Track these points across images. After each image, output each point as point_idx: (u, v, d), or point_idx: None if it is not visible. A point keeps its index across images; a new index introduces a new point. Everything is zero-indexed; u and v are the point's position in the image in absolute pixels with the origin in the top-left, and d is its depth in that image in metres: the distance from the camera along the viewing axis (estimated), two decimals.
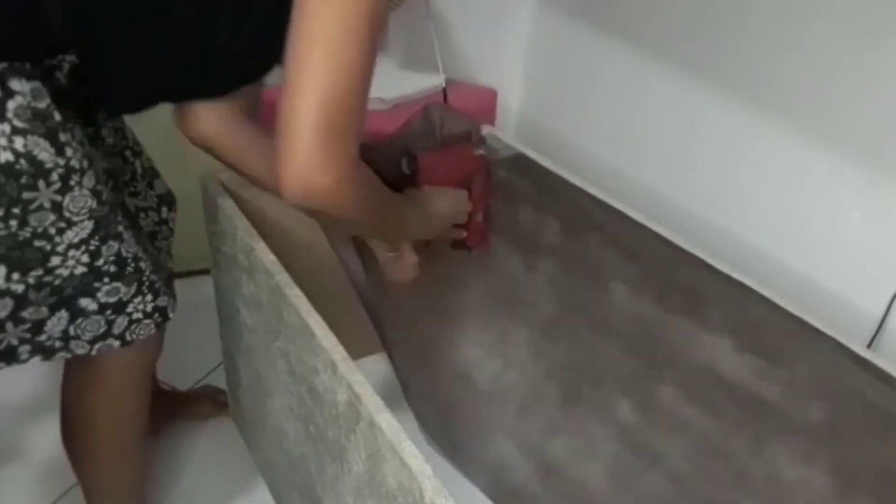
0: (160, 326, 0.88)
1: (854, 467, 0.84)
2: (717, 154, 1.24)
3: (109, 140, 0.87)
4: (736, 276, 0.93)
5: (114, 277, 0.80)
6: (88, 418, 0.94)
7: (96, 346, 0.83)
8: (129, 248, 0.81)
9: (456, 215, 1.03)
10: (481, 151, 1.10)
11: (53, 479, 1.03)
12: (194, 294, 1.55)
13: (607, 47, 1.41)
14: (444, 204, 1.00)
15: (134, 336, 0.85)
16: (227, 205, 0.97)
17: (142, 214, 0.94)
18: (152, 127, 0.89)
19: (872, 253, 1.05)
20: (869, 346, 1.05)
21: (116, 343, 0.84)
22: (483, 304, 1.19)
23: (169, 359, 1.41)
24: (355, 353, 0.75)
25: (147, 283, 0.84)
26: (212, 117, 0.82)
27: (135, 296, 0.83)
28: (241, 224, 0.93)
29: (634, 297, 1.06)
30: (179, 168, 1.42)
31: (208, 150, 0.86)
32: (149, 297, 0.85)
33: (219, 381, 1.37)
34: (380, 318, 0.96)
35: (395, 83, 1.56)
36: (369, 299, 0.95)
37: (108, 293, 0.81)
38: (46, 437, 0.96)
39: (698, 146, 1.28)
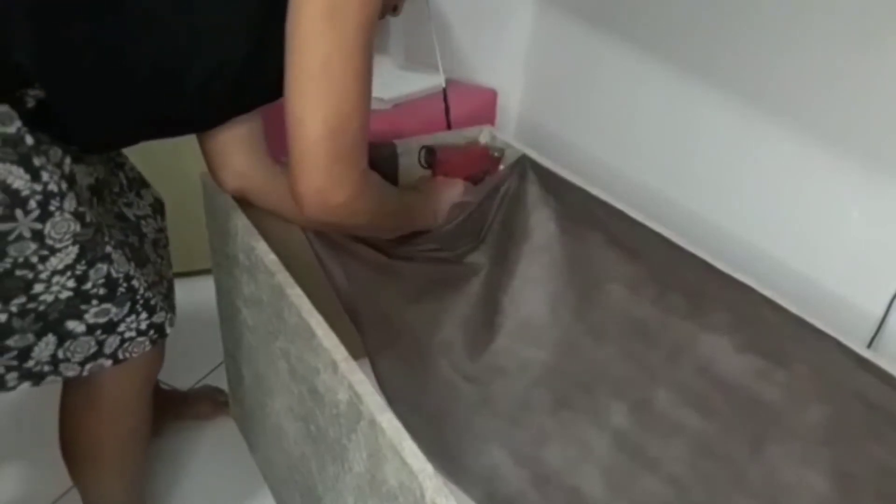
0: (156, 343, 0.86)
1: (854, 468, 0.84)
2: (717, 154, 1.24)
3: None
4: (736, 276, 0.93)
5: (103, 299, 0.78)
6: (88, 438, 0.92)
7: (87, 367, 0.81)
8: (120, 267, 0.79)
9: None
10: (497, 153, 1.18)
11: (53, 479, 1.03)
12: (194, 294, 1.55)
13: (607, 47, 1.41)
14: (455, 193, 1.08)
15: (127, 354, 0.83)
16: (228, 204, 0.97)
17: (142, 222, 0.92)
18: None
19: (872, 253, 1.05)
20: (869, 346, 1.05)
21: (108, 362, 0.82)
22: (475, 308, 1.18)
23: (169, 359, 1.41)
24: (356, 352, 0.75)
25: (141, 302, 0.82)
26: (242, 164, 0.89)
27: (127, 315, 0.81)
28: (241, 223, 0.93)
29: (634, 298, 1.06)
30: (179, 168, 1.43)
31: (244, 196, 0.93)
32: (143, 315, 0.82)
33: (219, 381, 1.37)
34: (364, 326, 0.95)
35: (395, 83, 1.56)
36: (353, 308, 0.95)
37: (97, 314, 0.78)
38: (46, 437, 0.95)
39: (698, 146, 1.28)
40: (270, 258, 0.87)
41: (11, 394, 0.80)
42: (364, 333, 0.96)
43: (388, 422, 0.67)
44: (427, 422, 1.10)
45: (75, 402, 0.90)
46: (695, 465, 0.97)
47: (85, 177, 0.77)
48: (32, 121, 0.68)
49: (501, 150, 1.19)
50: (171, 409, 1.30)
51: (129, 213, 0.90)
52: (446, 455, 1.10)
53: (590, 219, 1.09)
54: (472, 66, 1.65)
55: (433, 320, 1.14)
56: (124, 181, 0.91)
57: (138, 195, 0.94)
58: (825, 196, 1.09)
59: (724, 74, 1.20)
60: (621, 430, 1.05)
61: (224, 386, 1.31)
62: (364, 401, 0.69)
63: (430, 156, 1.09)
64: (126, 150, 0.92)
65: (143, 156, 1.42)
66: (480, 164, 1.16)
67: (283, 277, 0.84)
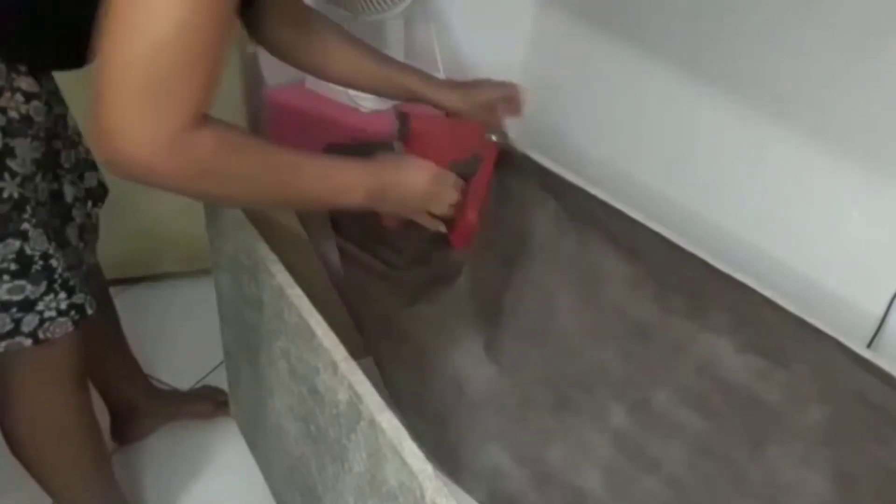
0: (77, 324, 0.84)
1: (854, 469, 0.84)
2: (718, 154, 1.24)
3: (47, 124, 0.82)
4: (736, 276, 0.93)
5: (16, 276, 0.76)
6: (18, 432, 0.91)
7: (3, 344, 0.79)
8: (37, 245, 0.77)
9: (431, 199, 0.86)
10: (495, 138, 0.95)
11: None
12: (194, 294, 1.55)
13: (608, 47, 1.41)
14: (422, 180, 0.84)
15: (49, 334, 0.81)
16: None
17: (77, 204, 0.90)
18: None
19: (872, 252, 1.05)
20: (869, 346, 1.05)
21: (28, 341, 0.80)
22: (475, 308, 1.18)
23: (169, 359, 1.41)
24: (356, 352, 0.75)
25: (59, 282, 0.80)
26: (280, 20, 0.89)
27: (45, 294, 0.79)
28: (242, 224, 0.93)
29: (634, 298, 1.06)
30: None
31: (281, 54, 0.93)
32: (62, 295, 0.81)
33: (219, 381, 1.37)
34: (367, 328, 0.95)
35: None
36: (356, 311, 0.95)
37: (10, 291, 0.77)
38: None
39: (698, 146, 1.28)
40: (271, 258, 0.87)
41: None
42: (367, 338, 0.96)
43: (388, 422, 0.67)
44: (430, 422, 1.10)
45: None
46: (695, 465, 0.97)
47: (30, 151, 0.75)
48: None
49: (503, 135, 0.95)
50: (171, 409, 1.30)
51: (70, 192, 0.88)
52: (448, 455, 1.10)
53: (590, 218, 1.09)
54: (472, 66, 1.65)
55: (432, 322, 1.14)
56: (73, 160, 0.90)
57: (81, 177, 0.93)
58: (825, 196, 1.09)
59: (724, 74, 1.20)
60: (621, 431, 1.05)
61: (224, 386, 1.31)
62: (364, 401, 0.69)
63: (404, 124, 0.88)
64: None
65: None
66: (468, 144, 0.94)
67: (284, 278, 0.84)
